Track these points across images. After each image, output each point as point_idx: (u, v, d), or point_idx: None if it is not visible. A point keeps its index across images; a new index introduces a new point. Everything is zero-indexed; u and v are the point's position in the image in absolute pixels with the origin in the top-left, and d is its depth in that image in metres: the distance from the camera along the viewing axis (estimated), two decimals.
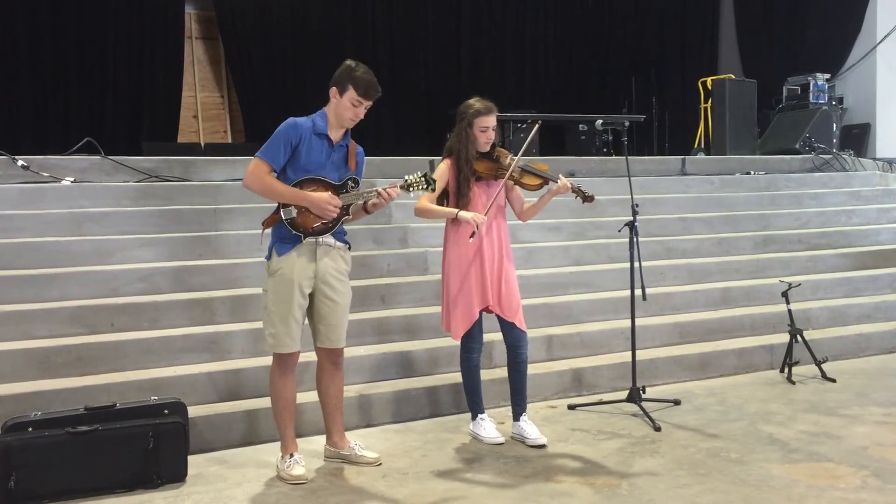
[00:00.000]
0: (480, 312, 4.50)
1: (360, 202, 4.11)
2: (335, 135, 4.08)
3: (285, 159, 3.99)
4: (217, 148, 9.77)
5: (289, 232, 4.01)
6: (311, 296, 4.09)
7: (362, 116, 4.08)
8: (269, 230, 4.12)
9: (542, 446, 4.47)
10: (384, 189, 4.03)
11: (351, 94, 3.98)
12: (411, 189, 4.07)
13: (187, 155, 7.33)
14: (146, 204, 6.15)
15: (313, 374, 4.44)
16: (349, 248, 4.24)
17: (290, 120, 4.04)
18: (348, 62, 4.06)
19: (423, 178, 4.06)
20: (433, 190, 4.17)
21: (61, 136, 9.56)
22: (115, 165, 6.57)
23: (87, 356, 4.75)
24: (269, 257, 4.10)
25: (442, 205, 4.51)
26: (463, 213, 4.34)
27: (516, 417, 4.61)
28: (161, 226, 5.98)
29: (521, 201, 4.73)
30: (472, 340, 4.55)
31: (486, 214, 4.36)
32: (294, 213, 4.00)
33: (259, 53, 11.24)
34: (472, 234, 4.32)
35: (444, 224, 4.65)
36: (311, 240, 4.04)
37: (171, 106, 10.80)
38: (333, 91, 4.04)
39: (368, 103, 4.05)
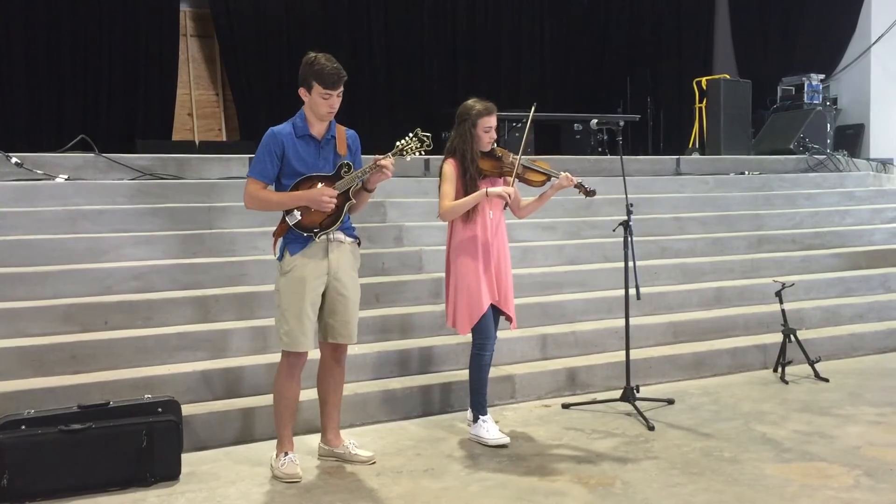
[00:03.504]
0: (491, 308, 4.52)
1: (357, 184, 4.07)
2: (318, 130, 4.07)
3: (275, 170, 3.99)
4: (212, 146, 9.74)
5: (299, 234, 4.01)
6: (323, 293, 4.09)
7: (337, 106, 4.03)
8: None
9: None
10: (377, 162, 3.98)
11: (318, 89, 3.95)
12: (406, 153, 4.04)
13: (182, 153, 7.32)
14: (140, 202, 6.14)
15: (308, 372, 4.43)
16: (359, 244, 4.25)
17: (269, 131, 4.03)
18: (307, 56, 4.00)
19: (415, 138, 4.02)
20: (429, 146, 4.09)
21: (55, 134, 9.55)
22: (110, 163, 6.55)
23: (81, 354, 4.75)
24: (280, 257, 4.08)
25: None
26: (492, 190, 4.40)
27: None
28: (155, 224, 5.97)
29: (518, 199, 4.75)
30: (485, 337, 4.53)
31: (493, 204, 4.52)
32: (298, 215, 3.99)
33: (254, 51, 11.22)
34: (506, 206, 4.51)
35: (442, 223, 4.66)
36: (322, 237, 4.03)
37: (166, 103, 10.77)
38: (302, 91, 4.01)
39: (339, 92, 4.01)
